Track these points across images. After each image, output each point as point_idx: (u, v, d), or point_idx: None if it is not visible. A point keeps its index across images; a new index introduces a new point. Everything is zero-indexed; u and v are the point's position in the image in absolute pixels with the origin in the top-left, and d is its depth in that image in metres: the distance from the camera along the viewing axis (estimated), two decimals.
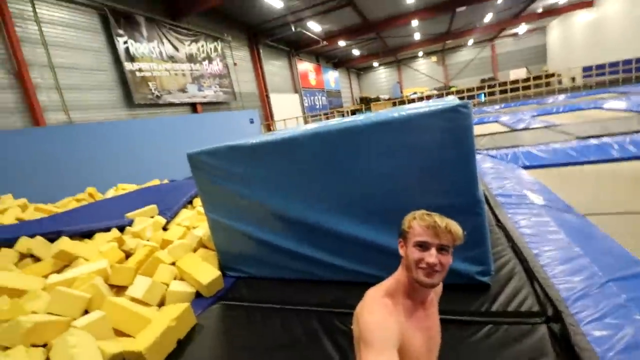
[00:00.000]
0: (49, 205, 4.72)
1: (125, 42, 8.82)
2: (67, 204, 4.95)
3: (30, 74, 6.59)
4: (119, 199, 4.63)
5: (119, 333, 2.17)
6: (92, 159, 6.31)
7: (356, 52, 24.32)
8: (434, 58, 29.78)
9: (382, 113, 2.62)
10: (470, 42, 27.14)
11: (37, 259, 3.05)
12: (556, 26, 23.80)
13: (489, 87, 19.21)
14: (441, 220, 1.02)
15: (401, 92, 29.68)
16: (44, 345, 2.00)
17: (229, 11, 12.75)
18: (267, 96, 15.98)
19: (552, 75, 19.32)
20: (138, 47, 9.18)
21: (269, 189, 2.43)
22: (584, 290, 1.70)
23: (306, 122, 17.34)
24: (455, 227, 1.03)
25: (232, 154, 2.50)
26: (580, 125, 6.64)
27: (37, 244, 3.09)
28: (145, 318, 2.17)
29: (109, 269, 2.66)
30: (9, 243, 3.17)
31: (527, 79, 18.88)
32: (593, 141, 4.88)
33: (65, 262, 2.93)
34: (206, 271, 2.68)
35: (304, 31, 16.09)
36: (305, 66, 20.65)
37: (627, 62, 14.78)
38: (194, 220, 3.67)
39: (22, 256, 3.11)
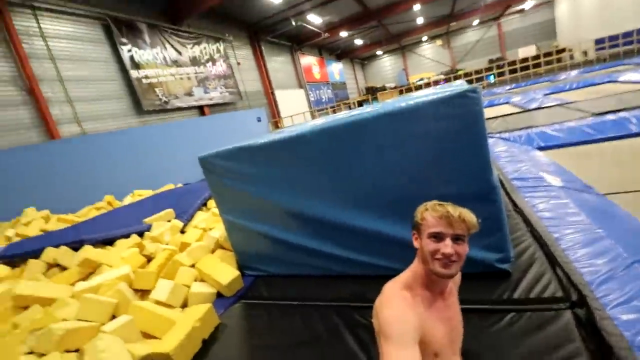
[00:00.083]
0: (71, 215, 4.88)
1: (130, 50, 8.93)
2: (88, 212, 5.11)
3: (41, 89, 6.75)
4: (136, 205, 4.75)
5: (146, 335, 2.24)
6: (107, 167, 6.47)
7: (359, 41, 24.01)
8: (439, 42, 29.13)
9: (389, 103, 2.60)
10: (476, 22, 26.41)
11: (63, 268, 3.16)
12: None
13: (498, 67, 18.71)
14: (454, 210, 1.02)
15: (407, 79, 29.21)
16: (76, 351, 2.08)
17: (228, 11, 12.74)
18: (273, 93, 15.98)
19: (563, 50, 18.65)
20: (142, 54, 9.29)
21: (280, 188, 2.44)
22: (608, 273, 1.65)
23: (313, 117, 17.29)
24: (469, 216, 1.02)
25: (242, 155, 2.52)
26: (595, 100, 6.40)
27: (62, 254, 3.21)
28: (170, 320, 2.23)
29: (132, 274, 2.74)
30: (36, 254, 3.30)
31: (537, 57, 18.27)
32: (610, 117, 4.71)
33: (90, 269, 3.03)
34: (225, 271, 2.73)
35: (305, 24, 15.96)
36: (308, 60, 20.52)
37: None
38: (210, 222, 3.73)
39: (49, 266, 3.24)
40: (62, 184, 5.68)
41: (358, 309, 2.04)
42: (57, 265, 3.21)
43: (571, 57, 17.81)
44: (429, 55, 30.16)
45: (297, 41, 18.67)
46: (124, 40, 8.81)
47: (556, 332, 1.49)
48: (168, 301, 2.47)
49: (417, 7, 17.28)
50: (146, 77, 9.28)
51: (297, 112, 16.29)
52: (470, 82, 17.36)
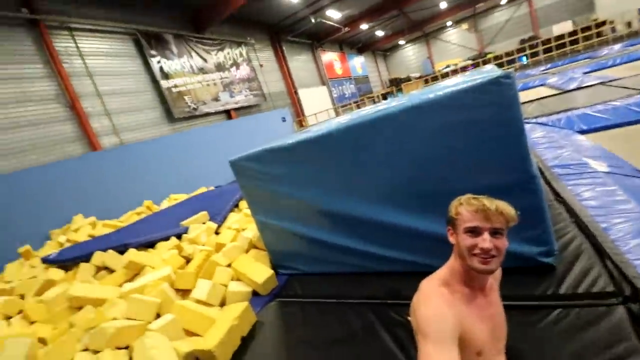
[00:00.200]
0: (114, 221, 5.22)
1: (159, 62, 9.35)
2: (129, 218, 5.43)
3: (82, 104, 7.25)
4: (172, 209, 4.99)
5: (188, 333, 2.36)
6: (144, 174, 6.85)
7: (380, 33, 23.55)
8: (464, 25, 27.86)
9: (415, 95, 2.53)
10: (504, 1, 24.97)
11: (111, 271, 3.39)
12: None
13: (531, 47, 17.63)
14: (490, 203, 0.98)
15: (433, 67, 28.27)
16: (126, 348, 2.23)
17: (249, 14, 12.97)
18: (296, 92, 16.10)
19: (603, 23, 17.17)
20: (170, 65, 9.69)
21: (310, 186, 2.46)
22: None
23: (337, 113, 17.23)
24: (507, 208, 0.98)
25: (270, 156, 2.56)
26: None
27: (110, 257, 3.44)
28: (210, 318, 2.33)
29: (173, 275, 2.89)
30: (86, 258, 3.57)
31: (573, 32, 17.00)
32: None
33: (135, 271, 3.23)
34: (260, 271, 2.80)
35: (324, 21, 15.89)
36: (329, 56, 20.43)
37: None
38: (243, 223, 3.84)
39: (98, 269, 3.49)
40: (105, 191, 6.09)
41: (394, 307, 2.02)
42: (105, 268, 3.45)
43: (613, 30, 16.40)
44: (455, 41, 28.94)
45: (317, 38, 18.64)
46: (153, 52, 9.23)
47: (608, 329, 1.40)
48: (208, 300, 2.58)
49: None
50: (175, 86, 9.68)
51: (320, 110, 16.31)
52: (500, 65, 16.47)
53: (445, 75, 18.33)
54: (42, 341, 2.42)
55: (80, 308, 2.74)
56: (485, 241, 0.96)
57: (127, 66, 8.61)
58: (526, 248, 1.85)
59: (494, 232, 0.97)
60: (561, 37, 16.86)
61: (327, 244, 2.57)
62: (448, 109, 1.79)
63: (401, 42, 29.67)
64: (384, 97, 19.89)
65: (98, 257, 3.47)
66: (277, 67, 15.42)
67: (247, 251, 3.28)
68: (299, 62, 17.28)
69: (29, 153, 6.20)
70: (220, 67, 11.64)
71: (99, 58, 7.97)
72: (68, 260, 3.73)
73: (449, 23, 27.68)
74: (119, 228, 4.71)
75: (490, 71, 2.17)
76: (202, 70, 10.85)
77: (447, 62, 26.41)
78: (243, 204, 4.44)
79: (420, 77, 23.97)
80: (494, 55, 19.98)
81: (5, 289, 3.39)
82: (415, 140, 1.94)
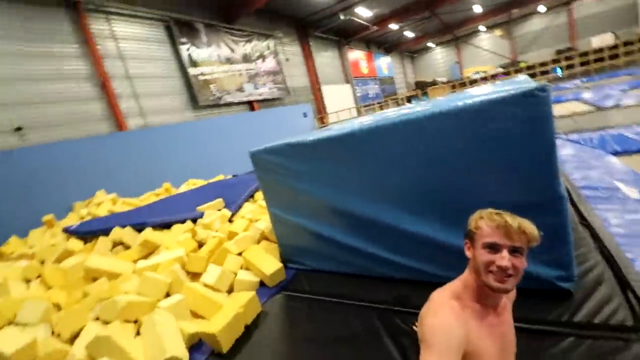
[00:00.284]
0: (134, 199, 5.39)
1: (188, 49, 9.51)
2: (148, 198, 5.60)
3: (112, 85, 7.48)
4: (190, 193, 5.10)
5: (195, 315, 2.42)
6: (166, 157, 7.05)
7: (409, 34, 23.11)
8: (498, 31, 26.95)
9: (442, 101, 2.48)
10: (542, 8, 23.98)
11: (127, 247, 3.52)
12: None
13: (567, 59, 16.89)
14: (513, 220, 0.95)
15: (461, 73, 27.57)
16: (135, 322, 2.31)
17: (278, 8, 12.99)
18: (319, 89, 16.06)
19: None
20: (199, 53, 9.85)
21: (327, 185, 2.46)
22: None
23: (359, 113, 17.10)
24: (530, 227, 0.94)
25: (291, 151, 2.57)
26: None
27: (127, 234, 3.57)
28: (217, 303, 2.38)
29: (185, 257, 2.96)
30: (105, 232, 3.70)
31: (614, 46, 16.16)
32: None
33: (150, 249, 3.33)
34: (269, 262, 2.84)
35: (353, 18, 15.73)
36: (355, 54, 20.25)
37: None
38: (256, 214, 3.89)
39: (115, 244, 3.62)
40: (127, 170, 6.30)
41: (400, 314, 2.00)
42: (122, 243, 3.57)
43: None
44: (487, 47, 28.07)
45: (345, 35, 18.48)
46: (183, 39, 9.40)
47: None
48: (216, 285, 2.63)
49: None
50: (202, 74, 9.84)
51: (343, 108, 16.22)
52: (533, 75, 15.88)
53: (474, 82, 17.85)
54: (57, 306, 2.54)
55: (95, 279, 2.86)
56: (504, 259, 0.93)
57: (157, 52, 8.81)
58: (544, 270, 1.78)
59: (514, 251, 0.94)
60: (600, 50, 16.06)
61: (338, 243, 2.56)
62: (477, 118, 1.74)
63: (430, 44, 29.05)
64: (408, 99, 19.59)
65: (116, 233, 3.60)
66: (303, 62, 15.40)
67: (258, 242, 3.32)
68: (325, 59, 17.21)
69: (60, 128, 6.46)
70: (246, 59, 11.74)
71: (131, 42, 8.18)
72: (88, 233, 3.89)
73: (481, 28, 26.86)
74: (138, 207, 4.86)
75: (523, 82, 2.10)
76: (229, 61, 10.97)
77: (476, 68, 25.65)
78: (258, 195, 4.49)
79: (447, 82, 23.44)
80: (526, 64, 19.26)
81: (27, 254, 3.58)
82: (438, 148, 1.89)
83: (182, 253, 2.98)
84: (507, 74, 18.01)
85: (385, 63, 24.80)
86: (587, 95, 8.32)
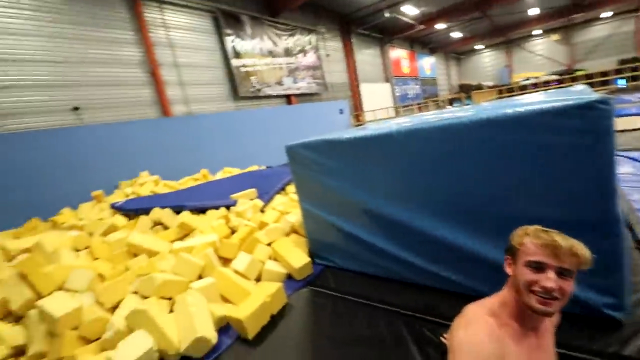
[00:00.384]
0: (174, 182, 5.68)
1: (232, 41, 9.81)
2: (187, 182, 5.88)
3: (161, 73, 7.89)
4: (225, 181, 5.29)
5: (224, 299, 2.51)
6: (205, 144, 7.35)
7: (456, 34, 22.20)
8: (555, 36, 25.06)
9: (489, 107, 2.35)
10: (607, 14, 21.98)
11: (165, 227, 3.72)
12: None
13: (633, 69, 15.38)
14: (563, 240, 0.89)
15: (510, 78, 26.05)
16: (169, 299, 2.44)
17: (323, 3, 13.01)
18: (357, 86, 15.92)
19: None
20: (243, 45, 10.13)
21: (361, 184, 2.44)
22: None
23: (397, 113, 16.75)
24: (582, 249, 0.88)
25: (327, 148, 2.58)
26: None
27: (166, 215, 3.76)
28: (245, 290, 2.46)
29: (218, 242, 3.08)
30: (146, 211, 3.93)
31: None
32: None
33: (186, 231, 3.50)
34: (298, 256, 2.88)
35: (399, 16, 15.37)
36: (397, 53, 19.80)
37: None
38: (287, 206, 3.95)
39: (155, 223, 3.84)
40: (169, 154, 6.66)
41: (428, 323, 1.95)
42: (161, 223, 3.78)
43: None
44: (541, 52, 26.25)
45: (388, 33, 18.11)
46: (229, 31, 9.70)
47: None
48: (245, 272, 2.71)
49: None
50: (244, 65, 10.11)
51: (380, 107, 15.96)
52: (591, 85, 14.60)
53: (523, 88, 16.80)
54: (101, 277, 2.74)
55: (135, 255, 3.06)
56: (549, 280, 0.88)
57: (204, 42, 9.17)
58: (592, 296, 1.66)
59: (561, 273, 0.88)
60: None
61: (368, 244, 2.54)
62: (529, 128, 1.64)
63: (478, 46, 27.73)
64: (450, 102, 18.86)
65: (156, 213, 3.81)
66: (343, 58, 15.32)
67: (287, 234, 3.37)
68: (365, 56, 17.00)
69: (112, 110, 6.95)
70: (288, 53, 11.89)
71: (180, 31, 8.59)
72: (131, 211, 4.16)
73: (537, 31, 25.17)
74: (177, 190, 5.12)
75: (582, 92, 1.94)
76: (270, 54, 11.18)
77: (527, 74, 24.08)
78: (290, 188, 4.55)
79: (493, 87, 22.26)
80: (584, 72, 17.77)
81: (77, 225, 3.89)
82: (482, 157, 1.81)
83: (215, 238, 3.10)
84: (561, 82, 16.73)
85: (428, 63, 24.05)
86: None
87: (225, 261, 2.98)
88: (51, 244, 3.05)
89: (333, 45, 14.63)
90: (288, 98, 11.92)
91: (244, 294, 2.43)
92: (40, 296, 2.41)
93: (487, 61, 29.20)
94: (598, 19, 22.97)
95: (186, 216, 3.64)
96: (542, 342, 1.00)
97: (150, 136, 6.51)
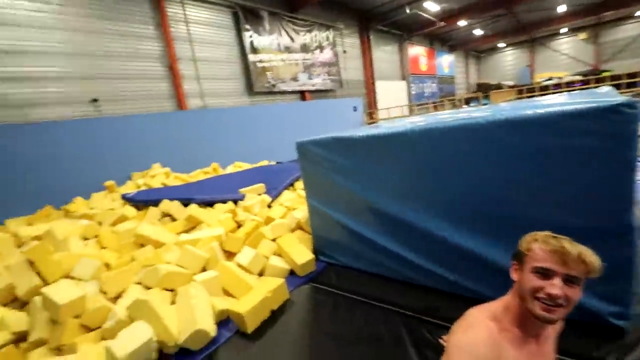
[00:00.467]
0: (185, 175, 5.76)
1: (251, 36, 9.84)
2: (197, 175, 5.96)
3: (179, 67, 8.00)
4: (235, 175, 5.33)
5: (226, 292, 2.52)
6: (217, 138, 7.44)
7: (478, 32, 21.59)
8: (582, 35, 24.02)
9: (507, 107, 2.25)
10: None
11: (173, 219, 3.77)
12: None
13: None
14: (572, 246, 0.85)
15: (531, 77, 25.20)
16: (171, 290, 2.46)
17: None
18: (373, 83, 15.74)
19: None
20: (260, 40, 10.15)
21: (369, 183, 2.40)
22: None
23: (411, 111, 16.49)
24: (591, 257, 0.84)
25: (337, 146, 2.54)
26: None
27: (175, 207, 3.81)
28: (248, 284, 2.46)
29: (224, 236, 3.09)
30: (155, 203, 3.99)
31: None
32: None
33: (193, 224, 3.53)
34: (301, 252, 2.86)
35: (419, 12, 15.05)
36: (416, 50, 19.44)
37: None
38: (295, 202, 3.94)
39: (164, 215, 3.89)
40: (182, 147, 6.77)
41: (427, 324, 1.91)
42: (169, 215, 3.84)
43: None
44: (566, 51, 25.22)
45: (408, 30, 17.79)
46: (247, 26, 9.74)
47: None
48: (249, 267, 2.72)
49: None
50: (260, 61, 10.15)
51: (394, 105, 15.74)
52: (617, 87, 13.94)
53: (545, 89, 16.21)
54: (107, 266, 2.79)
55: (142, 246, 3.11)
56: (555, 287, 0.84)
57: (222, 37, 9.24)
58: (597, 303, 1.60)
59: (568, 280, 0.84)
60: None
61: (372, 243, 2.50)
62: (548, 130, 1.56)
63: (501, 44, 26.92)
64: (467, 102, 18.42)
65: (165, 205, 3.87)
66: (360, 55, 15.16)
67: (293, 230, 3.36)
68: (383, 53, 16.77)
69: (129, 102, 7.10)
70: (304, 49, 11.85)
71: (200, 26, 8.67)
72: (141, 202, 4.24)
73: (563, 30, 24.20)
74: (187, 182, 5.19)
75: (606, 95, 1.83)
76: (287, 49, 11.16)
77: (550, 73, 23.18)
78: (298, 185, 4.54)
79: (513, 87, 21.58)
80: (611, 73, 16.95)
81: (88, 214, 3.99)
82: (498, 158, 1.74)
83: (221, 232, 3.12)
84: (585, 82, 16.04)
85: (447, 61, 23.56)
86: None
87: (230, 255, 2.99)
88: (62, 232, 3.12)
89: (350, 42, 14.49)
90: (302, 94, 11.90)
91: (246, 288, 2.43)
92: (46, 283, 2.46)
93: (508, 60, 28.33)
94: (630, 17, 21.86)
95: (194, 209, 3.68)
96: (543, 349, 0.97)
97: (165, 129, 6.63)
